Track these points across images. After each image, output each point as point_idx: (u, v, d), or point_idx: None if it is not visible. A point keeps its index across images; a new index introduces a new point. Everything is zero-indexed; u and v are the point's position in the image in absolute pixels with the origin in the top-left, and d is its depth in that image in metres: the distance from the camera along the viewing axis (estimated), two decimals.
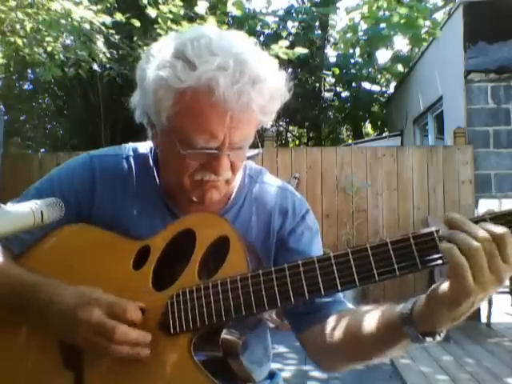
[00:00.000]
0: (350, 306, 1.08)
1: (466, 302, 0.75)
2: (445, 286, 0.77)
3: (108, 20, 5.17)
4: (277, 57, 5.66)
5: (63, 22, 5.11)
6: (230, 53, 0.91)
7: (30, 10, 5.11)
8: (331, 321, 1.03)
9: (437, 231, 0.78)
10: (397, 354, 0.92)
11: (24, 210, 0.88)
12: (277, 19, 12.82)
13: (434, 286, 0.79)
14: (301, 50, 5.74)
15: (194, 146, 0.94)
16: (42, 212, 0.89)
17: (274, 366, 1.25)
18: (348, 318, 1.00)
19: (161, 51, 0.96)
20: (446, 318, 0.79)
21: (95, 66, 5.39)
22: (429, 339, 0.83)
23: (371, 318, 0.92)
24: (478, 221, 0.76)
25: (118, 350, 0.88)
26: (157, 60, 0.94)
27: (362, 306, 1.00)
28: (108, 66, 5.90)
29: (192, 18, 5.59)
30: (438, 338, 0.83)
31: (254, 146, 1.05)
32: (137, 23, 5.35)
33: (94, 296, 0.91)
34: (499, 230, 0.73)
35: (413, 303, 0.84)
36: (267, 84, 0.93)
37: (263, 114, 0.96)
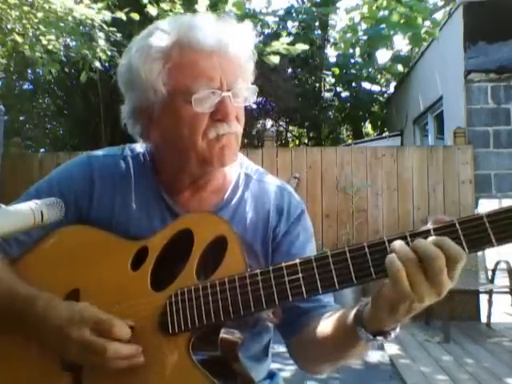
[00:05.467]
0: (335, 307, 1.07)
1: (402, 305, 0.77)
2: (385, 288, 0.79)
3: (108, 15, 5.16)
4: (278, 53, 5.67)
5: (62, 24, 5.10)
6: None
7: (29, 8, 5.08)
8: (310, 324, 1.03)
9: (434, 229, 0.79)
10: (360, 358, 0.93)
11: (24, 210, 0.88)
12: (277, 19, 12.79)
13: (379, 287, 0.81)
14: (302, 47, 5.77)
15: (196, 90, 0.97)
16: (41, 212, 0.89)
17: (274, 366, 1.25)
18: (319, 321, 1.01)
19: (133, 44, 1.03)
20: (387, 319, 0.81)
21: (97, 64, 5.37)
22: (380, 338, 0.84)
23: (333, 320, 0.94)
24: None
25: (112, 364, 0.90)
26: (133, 48, 1.01)
27: (339, 309, 0.99)
28: (112, 63, 5.88)
29: None
30: (390, 338, 0.85)
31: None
32: (136, 17, 5.35)
33: (85, 314, 0.92)
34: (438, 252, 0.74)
35: (365, 304, 0.85)
36: (238, 37, 1.02)
37: (245, 63, 1.03)
